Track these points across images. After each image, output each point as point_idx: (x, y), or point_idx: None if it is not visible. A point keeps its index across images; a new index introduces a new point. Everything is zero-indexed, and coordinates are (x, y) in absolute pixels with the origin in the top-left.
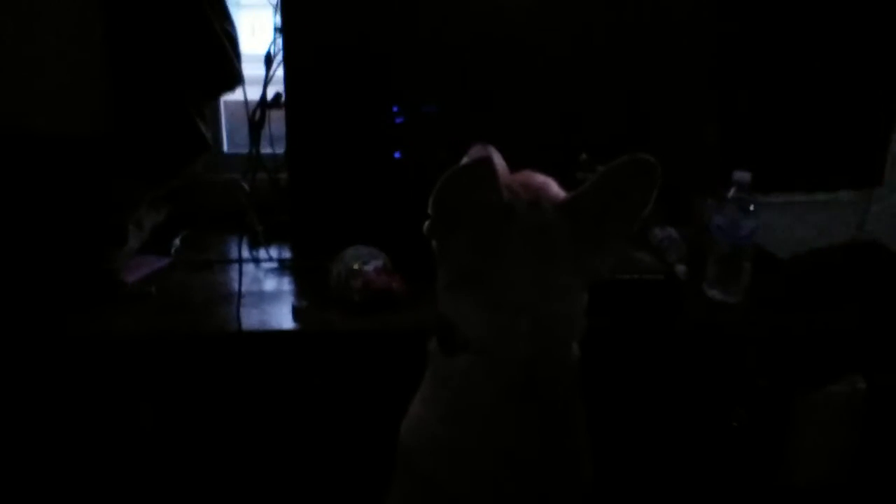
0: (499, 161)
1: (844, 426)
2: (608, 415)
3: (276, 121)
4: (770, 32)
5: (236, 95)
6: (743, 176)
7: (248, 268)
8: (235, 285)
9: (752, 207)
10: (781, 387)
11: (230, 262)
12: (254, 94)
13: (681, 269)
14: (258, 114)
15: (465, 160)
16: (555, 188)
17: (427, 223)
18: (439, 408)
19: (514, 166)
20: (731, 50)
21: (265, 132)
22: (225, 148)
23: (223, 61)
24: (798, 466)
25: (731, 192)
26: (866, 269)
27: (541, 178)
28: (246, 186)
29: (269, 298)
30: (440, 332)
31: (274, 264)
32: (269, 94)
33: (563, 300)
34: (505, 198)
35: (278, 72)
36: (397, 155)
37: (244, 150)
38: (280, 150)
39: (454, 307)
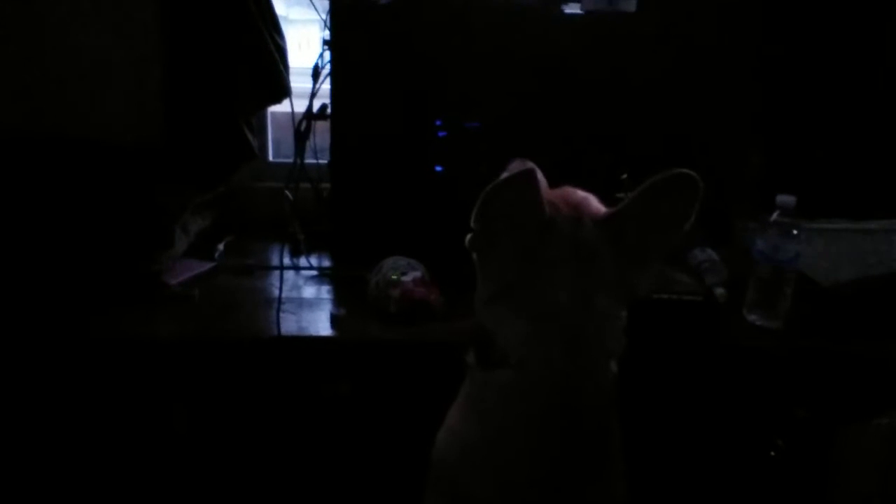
0: (539, 177)
1: (888, 462)
2: (643, 436)
3: (321, 132)
4: (818, 54)
5: (283, 107)
6: (787, 200)
7: (289, 275)
8: (276, 291)
9: (794, 232)
10: (822, 418)
11: (271, 268)
12: (300, 106)
13: (720, 291)
14: (304, 125)
15: (505, 174)
16: (595, 203)
17: (469, 236)
18: (475, 421)
19: (553, 184)
20: (776, 72)
21: (310, 143)
22: (270, 157)
23: (273, 73)
24: (838, 502)
25: (774, 216)
26: None
27: (581, 194)
28: (289, 195)
29: (308, 305)
30: (478, 345)
31: (314, 272)
32: (315, 106)
33: (601, 316)
34: (546, 212)
35: (324, 85)
36: (438, 168)
37: (289, 159)
38: (324, 160)
39: (493, 320)
